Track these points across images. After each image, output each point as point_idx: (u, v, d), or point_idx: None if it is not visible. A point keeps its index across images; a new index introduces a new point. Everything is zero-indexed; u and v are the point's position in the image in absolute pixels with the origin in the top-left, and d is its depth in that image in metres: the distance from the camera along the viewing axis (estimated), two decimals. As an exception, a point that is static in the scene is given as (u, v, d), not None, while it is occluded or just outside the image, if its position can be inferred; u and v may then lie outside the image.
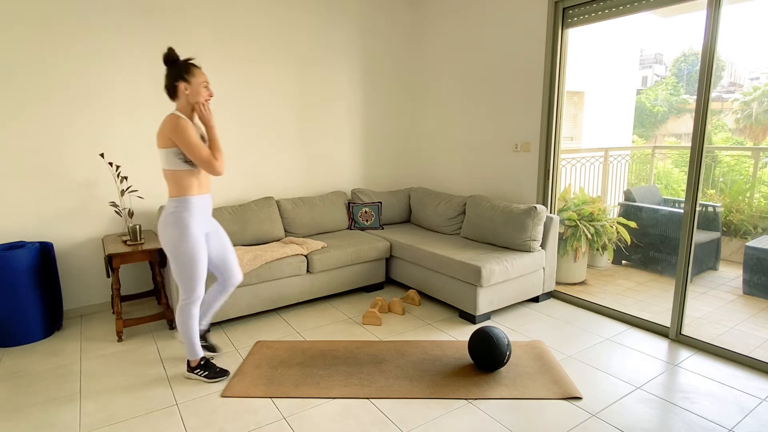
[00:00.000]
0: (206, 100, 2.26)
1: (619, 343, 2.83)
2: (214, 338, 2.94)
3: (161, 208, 2.22)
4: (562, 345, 2.81)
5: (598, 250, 4.10)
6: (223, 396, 2.30)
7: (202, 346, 2.59)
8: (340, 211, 4.05)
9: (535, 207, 3.27)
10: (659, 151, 6.48)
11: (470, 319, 3.16)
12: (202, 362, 2.46)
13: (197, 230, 2.28)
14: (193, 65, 2.24)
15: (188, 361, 2.46)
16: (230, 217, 3.50)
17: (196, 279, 2.30)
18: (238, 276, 2.57)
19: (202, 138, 2.29)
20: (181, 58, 2.25)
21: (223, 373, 2.47)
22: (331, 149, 4.26)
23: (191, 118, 2.28)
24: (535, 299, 3.49)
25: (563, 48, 3.31)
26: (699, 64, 2.60)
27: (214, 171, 2.21)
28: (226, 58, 3.62)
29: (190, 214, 2.25)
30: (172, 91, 2.25)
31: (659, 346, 2.80)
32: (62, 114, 3.09)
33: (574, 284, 4.00)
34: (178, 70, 2.22)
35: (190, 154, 2.17)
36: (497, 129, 3.84)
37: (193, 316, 2.38)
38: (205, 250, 2.33)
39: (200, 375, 2.44)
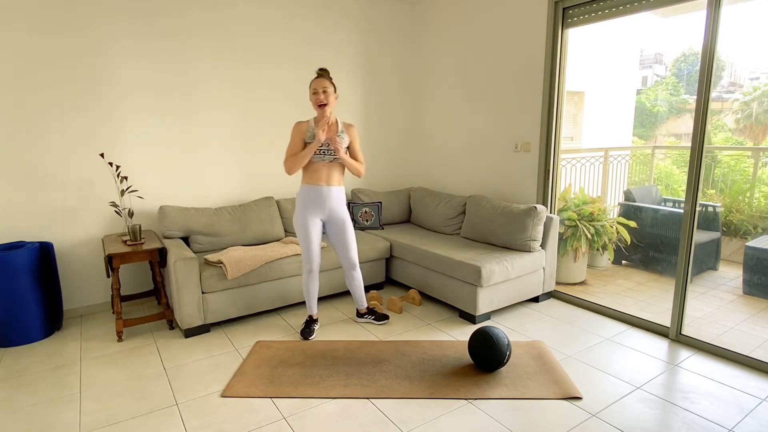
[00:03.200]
0: (318, 106, 2.72)
1: (619, 343, 2.83)
2: (215, 338, 2.94)
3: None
4: (562, 345, 2.82)
5: (598, 250, 4.10)
6: (223, 396, 2.30)
7: (372, 319, 3.13)
8: (340, 211, 4.04)
9: (535, 207, 3.27)
10: (659, 151, 6.48)
11: (470, 319, 3.16)
12: (308, 318, 3.00)
13: (304, 212, 2.81)
14: (316, 76, 2.74)
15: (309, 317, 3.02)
16: (230, 217, 3.50)
17: (304, 248, 2.86)
18: (343, 255, 2.98)
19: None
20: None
21: (306, 334, 2.92)
22: (331, 149, 4.26)
23: (319, 122, 2.76)
24: (535, 299, 3.49)
25: (563, 48, 3.31)
26: (699, 64, 2.60)
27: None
28: (226, 58, 3.62)
29: (300, 198, 2.82)
30: None
31: (659, 346, 2.80)
32: (62, 114, 3.09)
33: (574, 284, 4.00)
34: None
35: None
36: (497, 129, 3.84)
37: (306, 281, 2.91)
38: (312, 233, 2.82)
39: (304, 325, 2.99)
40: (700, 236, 4.15)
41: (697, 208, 2.71)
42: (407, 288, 3.85)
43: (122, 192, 3.20)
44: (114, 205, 3.15)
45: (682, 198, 4.07)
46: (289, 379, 2.44)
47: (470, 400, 2.25)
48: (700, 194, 2.69)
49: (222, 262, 3.01)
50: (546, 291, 3.50)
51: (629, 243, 4.22)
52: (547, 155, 3.47)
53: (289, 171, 2.73)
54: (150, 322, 3.07)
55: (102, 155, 3.19)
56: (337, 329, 3.07)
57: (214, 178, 3.72)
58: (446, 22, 4.20)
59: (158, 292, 3.31)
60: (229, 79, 3.66)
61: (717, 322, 3.23)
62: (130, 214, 3.19)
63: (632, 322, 3.11)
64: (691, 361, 2.62)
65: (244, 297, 3.10)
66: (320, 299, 3.60)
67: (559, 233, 3.66)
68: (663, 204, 4.82)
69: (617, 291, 3.85)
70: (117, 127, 3.28)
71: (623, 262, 4.58)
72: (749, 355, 2.58)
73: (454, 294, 3.23)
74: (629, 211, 4.52)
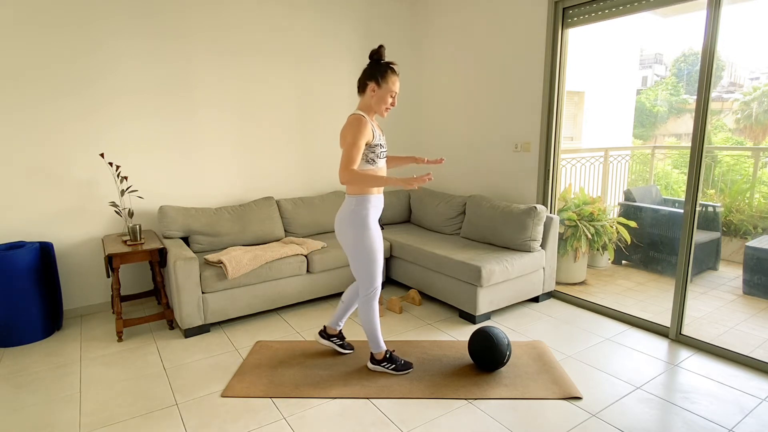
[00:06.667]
0: (386, 109, 2.26)
1: (619, 343, 2.83)
2: (215, 338, 2.94)
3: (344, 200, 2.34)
4: (562, 345, 2.81)
5: (598, 250, 4.10)
6: (223, 396, 2.30)
7: (340, 344, 2.68)
8: (340, 211, 4.05)
9: (535, 207, 3.27)
10: (659, 152, 6.48)
11: (470, 319, 3.16)
12: (387, 355, 2.50)
13: (375, 226, 2.33)
14: (392, 71, 2.23)
15: (372, 354, 2.52)
16: (230, 217, 3.50)
17: (375, 273, 2.36)
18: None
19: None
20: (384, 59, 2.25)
21: (407, 366, 2.50)
22: (331, 149, 4.26)
23: (371, 118, 2.29)
24: (535, 299, 3.49)
25: (563, 48, 3.31)
26: (699, 64, 2.60)
27: (340, 177, 2.15)
28: (227, 58, 3.62)
29: (368, 212, 2.29)
30: (361, 87, 2.27)
31: (659, 346, 2.80)
32: (62, 114, 3.09)
33: (574, 284, 4.00)
34: (375, 70, 2.21)
35: (343, 151, 2.15)
36: (497, 129, 3.84)
37: (374, 309, 2.42)
38: (381, 245, 2.38)
39: (387, 367, 2.48)
40: (700, 236, 4.15)
41: (697, 208, 2.71)
42: (407, 288, 3.85)
43: (122, 192, 3.20)
44: (114, 205, 3.15)
45: (682, 198, 4.07)
46: (289, 379, 2.44)
47: (470, 400, 2.25)
48: (700, 194, 2.69)
49: (222, 262, 3.01)
50: (546, 291, 3.50)
51: (629, 243, 4.22)
52: (547, 155, 3.47)
53: (353, 180, 2.14)
54: (150, 322, 3.07)
55: (102, 155, 3.19)
56: (337, 329, 3.07)
57: (214, 178, 3.72)
58: (446, 22, 4.20)
59: (158, 292, 3.31)
60: (230, 77, 3.66)
61: (717, 322, 3.23)
62: (130, 214, 3.19)
63: (632, 322, 3.11)
64: (691, 361, 2.62)
65: (244, 297, 3.10)
66: (320, 299, 3.61)
67: (559, 233, 3.66)
68: (663, 204, 4.82)
69: (617, 291, 3.85)
70: (117, 126, 3.28)
71: (623, 262, 4.58)
72: (749, 355, 2.58)
73: (454, 294, 3.23)
74: (629, 211, 4.52)
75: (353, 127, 2.16)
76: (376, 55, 2.23)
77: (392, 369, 2.48)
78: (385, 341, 2.83)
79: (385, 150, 2.32)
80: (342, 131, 2.21)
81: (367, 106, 2.26)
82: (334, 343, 2.68)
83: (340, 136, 2.22)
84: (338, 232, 2.36)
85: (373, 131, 2.22)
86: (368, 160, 2.25)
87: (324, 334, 2.68)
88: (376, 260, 2.34)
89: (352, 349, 2.73)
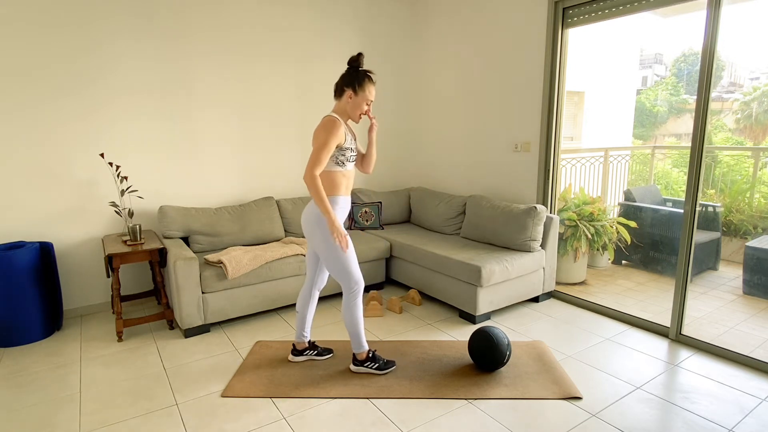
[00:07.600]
0: (360, 115, 2.32)
1: (619, 343, 2.83)
2: (215, 338, 2.94)
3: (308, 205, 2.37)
4: (562, 345, 2.81)
5: (598, 250, 4.11)
6: (223, 396, 2.30)
7: (316, 354, 2.65)
8: (340, 211, 4.04)
9: (535, 207, 3.27)
10: (659, 152, 6.48)
11: (470, 319, 3.16)
12: (369, 355, 2.48)
13: (341, 225, 2.34)
14: (370, 79, 2.31)
15: (354, 355, 2.49)
16: (230, 217, 3.50)
17: (353, 269, 2.36)
18: (324, 279, 2.59)
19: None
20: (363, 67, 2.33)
21: (390, 364, 2.51)
22: (331, 149, 4.26)
23: (345, 122, 2.33)
24: (535, 299, 3.49)
25: (563, 48, 3.31)
26: (699, 64, 2.60)
27: (305, 176, 2.19)
28: (227, 58, 3.62)
29: (336, 212, 2.32)
30: (338, 92, 2.33)
31: (659, 346, 2.80)
32: (62, 114, 3.09)
33: (574, 284, 4.00)
34: (353, 77, 2.29)
35: (313, 152, 2.20)
36: (497, 129, 3.84)
37: (359, 308, 2.41)
38: (351, 243, 2.37)
39: (371, 367, 2.48)
40: (700, 236, 4.15)
41: (697, 208, 2.71)
42: (407, 288, 3.85)
43: (122, 192, 3.20)
44: (114, 205, 3.15)
45: (682, 198, 4.07)
46: (289, 379, 2.44)
47: (470, 400, 2.25)
48: (700, 194, 2.69)
49: (222, 262, 3.01)
50: (546, 291, 3.50)
51: (629, 243, 4.22)
52: (547, 155, 3.47)
53: (312, 186, 2.18)
54: (150, 322, 3.07)
55: (102, 155, 3.19)
56: (337, 329, 3.07)
57: (214, 178, 3.72)
58: (446, 21, 4.20)
59: (158, 292, 3.32)
60: (230, 77, 3.66)
61: (717, 322, 3.23)
62: (130, 214, 3.19)
63: (632, 322, 3.11)
64: (691, 361, 2.62)
65: (244, 297, 3.10)
66: (320, 299, 3.60)
67: (559, 233, 3.66)
68: (663, 204, 4.82)
69: (617, 291, 3.85)
70: (117, 126, 3.28)
71: (623, 262, 4.58)
72: (749, 355, 2.58)
73: (454, 294, 3.23)
74: (629, 211, 4.52)
75: (326, 128, 2.20)
76: (355, 63, 2.31)
77: (375, 368, 2.47)
78: (385, 341, 2.83)
79: (354, 154, 2.37)
80: (315, 131, 2.25)
81: (342, 110, 2.33)
82: (309, 355, 2.63)
83: (313, 136, 2.26)
84: (307, 232, 2.37)
85: (345, 134, 2.28)
86: (337, 162, 2.29)
87: (295, 351, 2.62)
88: (349, 257, 2.35)
89: (331, 352, 2.69)
